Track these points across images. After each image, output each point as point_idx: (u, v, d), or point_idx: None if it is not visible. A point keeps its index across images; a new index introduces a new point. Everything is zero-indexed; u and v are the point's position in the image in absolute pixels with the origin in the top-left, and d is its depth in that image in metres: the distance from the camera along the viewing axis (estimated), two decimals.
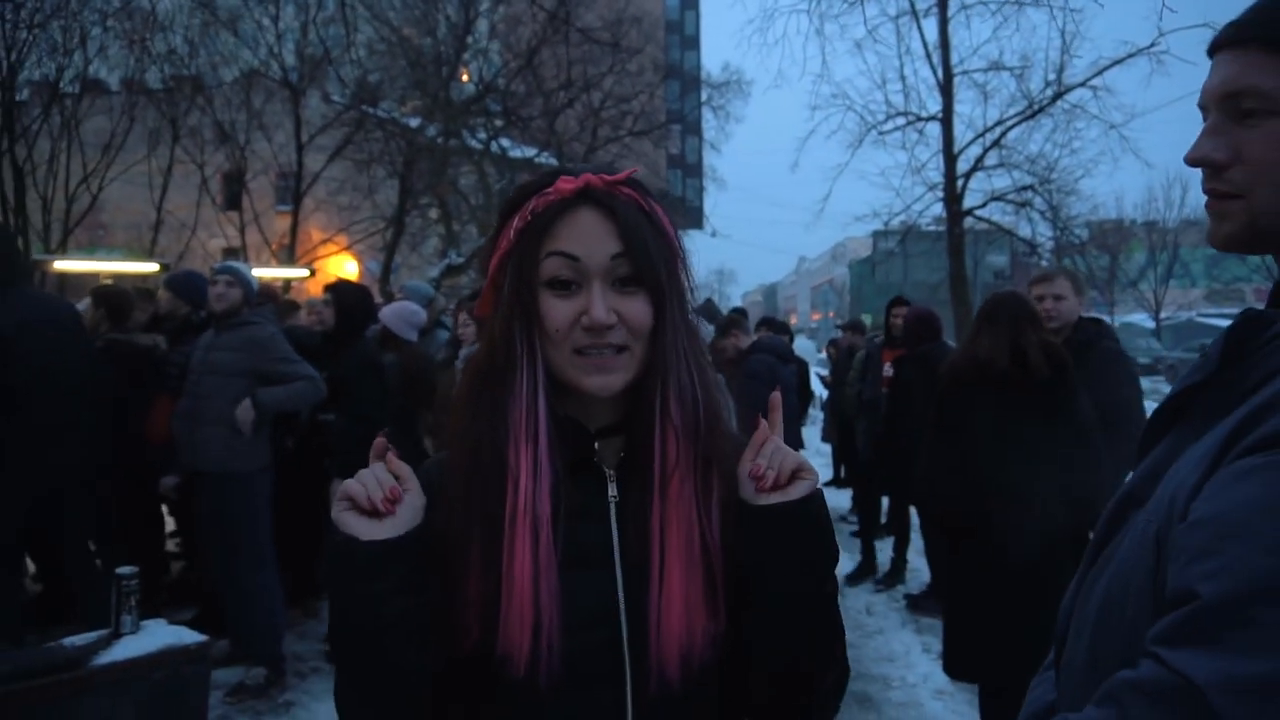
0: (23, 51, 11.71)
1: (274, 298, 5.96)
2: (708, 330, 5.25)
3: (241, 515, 3.88)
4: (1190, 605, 0.66)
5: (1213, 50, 0.88)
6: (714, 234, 20.97)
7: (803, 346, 9.89)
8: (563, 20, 14.87)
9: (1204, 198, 0.88)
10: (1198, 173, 0.88)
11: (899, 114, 13.25)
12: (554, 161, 14.72)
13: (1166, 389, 0.89)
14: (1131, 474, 0.91)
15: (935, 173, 13.33)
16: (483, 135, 15.91)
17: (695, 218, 22.29)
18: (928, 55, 12.95)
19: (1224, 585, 0.65)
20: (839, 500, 8.50)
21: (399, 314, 4.72)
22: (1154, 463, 0.86)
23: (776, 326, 7.49)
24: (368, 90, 15.40)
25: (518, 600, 0.88)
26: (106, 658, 2.48)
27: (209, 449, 3.82)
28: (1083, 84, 12.40)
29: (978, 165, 13.18)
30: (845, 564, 6.29)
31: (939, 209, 13.51)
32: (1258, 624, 0.62)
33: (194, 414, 3.86)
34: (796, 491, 0.92)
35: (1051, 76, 12.48)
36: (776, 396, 0.97)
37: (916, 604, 5.31)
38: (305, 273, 14.62)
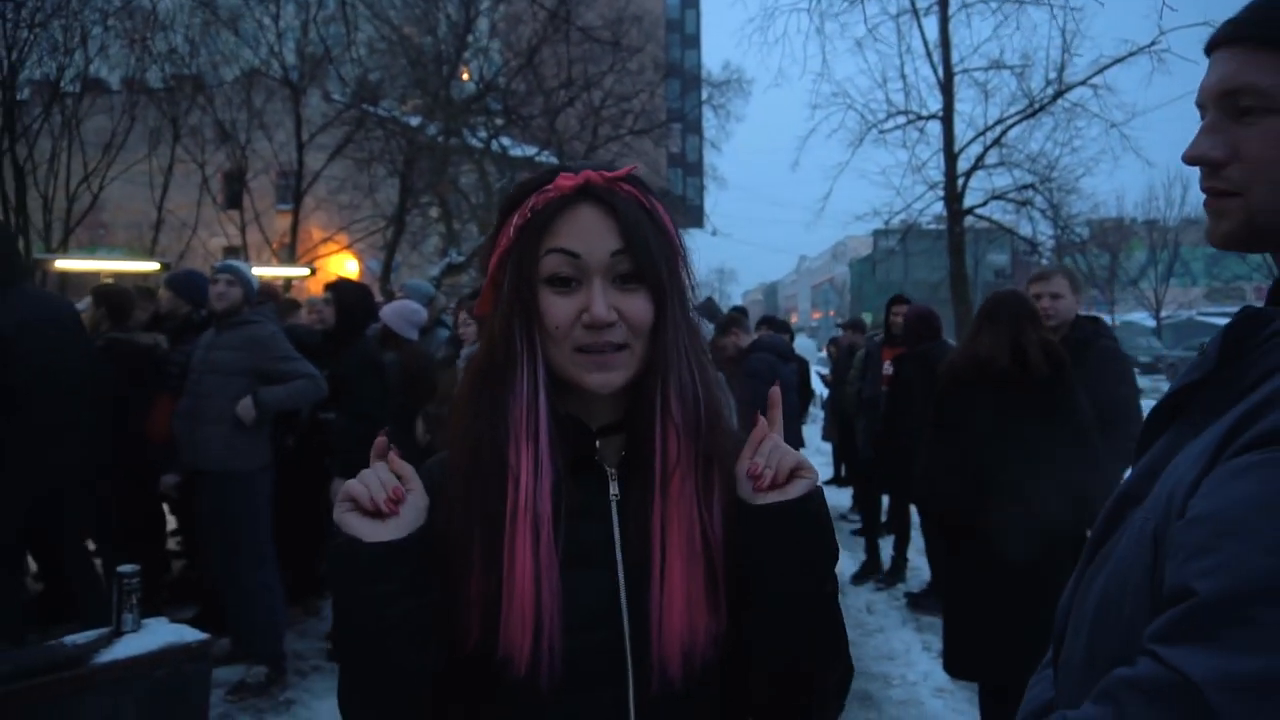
0: (24, 51, 11.71)
1: (275, 296, 5.97)
2: (708, 329, 5.25)
3: (242, 514, 3.88)
4: (1187, 603, 0.66)
5: (1210, 48, 0.88)
6: (714, 233, 20.99)
7: (803, 345, 9.90)
8: (563, 19, 14.86)
9: (1204, 196, 0.88)
10: (1198, 172, 0.88)
11: (899, 113, 13.25)
12: (554, 160, 14.69)
13: (1167, 388, 0.89)
14: (1129, 472, 0.91)
15: (936, 171, 13.33)
16: (483, 134, 15.91)
17: (696, 216, 22.29)
18: (928, 54, 12.95)
19: (1221, 583, 0.65)
20: (839, 499, 8.50)
21: (400, 313, 4.72)
22: (1152, 461, 0.86)
23: (777, 325, 7.49)
24: (368, 89, 15.40)
25: (519, 600, 0.88)
26: (108, 656, 2.48)
27: (210, 448, 3.83)
28: (1083, 82, 12.39)
29: (978, 164, 13.18)
30: (847, 563, 6.29)
31: (939, 208, 13.51)
32: (1255, 622, 0.62)
33: (195, 413, 3.86)
34: (795, 490, 0.91)
35: (1052, 75, 12.49)
36: (776, 392, 0.96)
37: (917, 602, 5.31)
38: (306, 271, 14.63)
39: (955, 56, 12.92)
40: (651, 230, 0.94)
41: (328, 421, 4.49)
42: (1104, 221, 25.76)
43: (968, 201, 13.27)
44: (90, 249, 14.96)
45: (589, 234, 0.92)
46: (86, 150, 12.91)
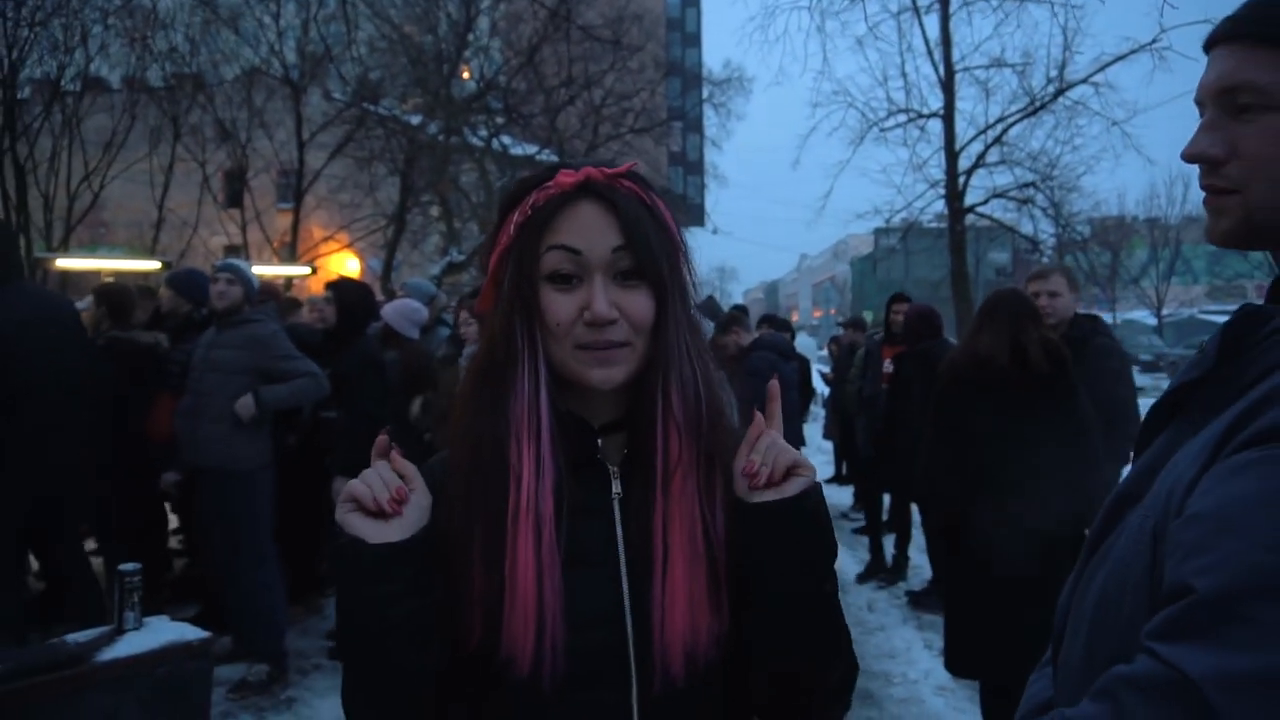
0: (24, 49, 11.73)
1: (276, 295, 5.97)
2: (708, 327, 5.25)
3: (243, 512, 3.89)
4: (1186, 600, 0.66)
5: (1209, 45, 0.87)
6: (715, 231, 20.98)
7: (804, 344, 9.90)
8: (564, 17, 14.86)
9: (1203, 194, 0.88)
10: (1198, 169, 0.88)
11: (900, 111, 13.24)
12: (555, 159, 14.69)
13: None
14: (1128, 470, 0.91)
15: (937, 170, 13.33)
16: (484, 133, 15.90)
17: (697, 215, 22.27)
18: (929, 52, 12.95)
19: (1219, 580, 0.65)
20: (841, 497, 8.51)
21: (401, 311, 4.73)
22: (1151, 459, 0.86)
23: (778, 324, 7.49)
24: (369, 88, 15.40)
25: (521, 599, 0.87)
26: (109, 654, 2.49)
27: (211, 446, 3.83)
28: (1084, 80, 12.39)
29: (979, 162, 13.17)
30: (848, 561, 6.29)
31: (940, 206, 13.51)
32: (1253, 619, 0.62)
33: (196, 411, 3.87)
34: (792, 488, 0.90)
35: (1053, 73, 12.48)
36: (774, 386, 0.95)
37: (918, 601, 5.31)
38: (307, 270, 14.63)
39: (956, 54, 12.92)
40: (652, 227, 0.93)
41: (329, 420, 4.50)
42: (1105, 220, 25.71)
43: (969, 200, 13.26)
44: (91, 248, 14.97)
45: (590, 230, 0.91)
46: (87, 149, 12.93)
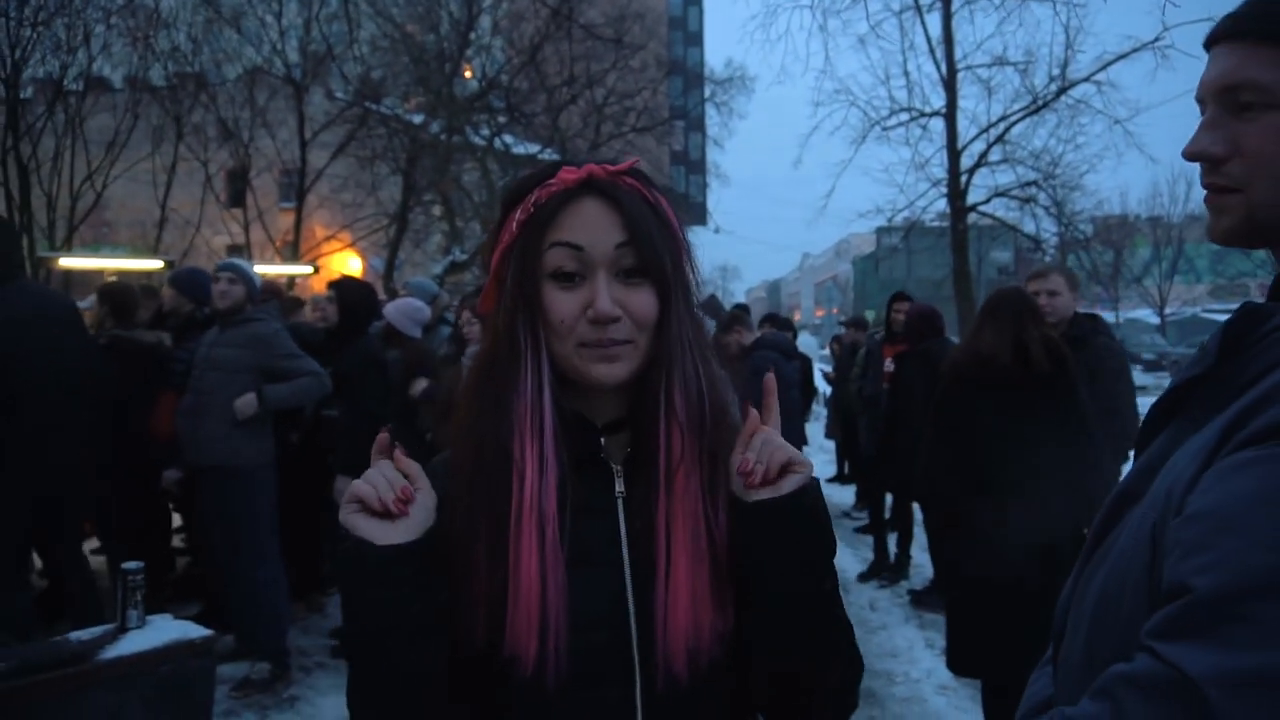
0: (27, 49, 11.72)
1: (278, 294, 5.98)
2: (710, 326, 5.25)
3: (245, 510, 3.89)
4: (1185, 599, 0.66)
5: (1210, 43, 0.87)
6: (717, 230, 20.98)
7: (806, 343, 9.88)
8: (565, 16, 14.85)
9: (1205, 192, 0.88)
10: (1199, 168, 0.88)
11: (902, 110, 13.24)
12: (557, 158, 14.66)
13: None
14: (1128, 468, 0.91)
15: (939, 168, 13.33)
16: (486, 132, 15.91)
17: (699, 214, 22.26)
18: (931, 50, 12.95)
19: (1218, 579, 0.65)
20: (843, 496, 8.51)
21: (403, 310, 4.73)
22: (1151, 457, 0.86)
23: (780, 323, 7.50)
24: (371, 87, 15.39)
25: (525, 599, 0.87)
26: (112, 652, 2.50)
27: (212, 445, 3.84)
28: (1087, 79, 12.38)
29: (981, 161, 13.16)
30: (851, 561, 6.29)
31: (943, 205, 13.51)
32: (1252, 618, 0.62)
33: (197, 410, 3.88)
34: (787, 486, 0.89)
35: (1055, 71, 12.47)
36: (770, 380, 0.95)
37: (920, 600, 5.31)
38: (309, 269, 14.64)
39: (958, 53, 12.92)
40: (655, 224, 0.93)
41: (331, 419, 4.50)
42: (1108, 218, 25.67)
43: (971, 199, 13.25)
44: (94, 247, 15.02)
45: (593, 227, 0.91)
46: (90, 148, 12.94)
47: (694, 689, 0.90)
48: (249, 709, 3.79)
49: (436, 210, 16.12)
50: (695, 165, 27.66)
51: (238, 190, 16.16)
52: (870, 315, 11.89)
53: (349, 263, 17.36)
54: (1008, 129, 13.05)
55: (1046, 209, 13.67)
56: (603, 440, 0.97)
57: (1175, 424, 0.86)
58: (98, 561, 4.83)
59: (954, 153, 12.99)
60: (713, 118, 20.15)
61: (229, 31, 15.07)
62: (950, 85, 12.90)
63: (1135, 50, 11.58)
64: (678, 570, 0.90)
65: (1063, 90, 12.54)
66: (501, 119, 15.90)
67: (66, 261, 10.69)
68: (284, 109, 14.88)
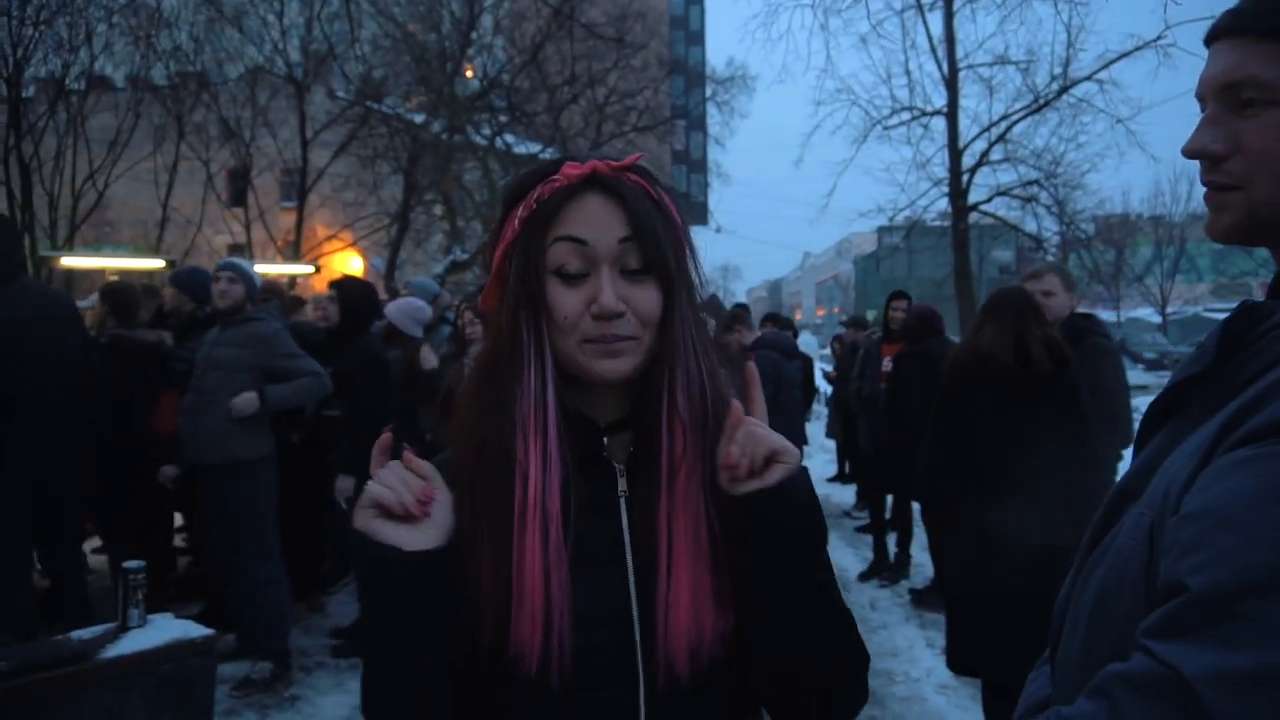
0: (29, 48, 11.73)
1: (279, 294, 5.98)
2: (710, 326, 5.25)
3: (245, 510, 3.90)
4: (1180, 598, 0.66)
5: (1210, 39, 0.86)
6: (719, 230, 20.99)
7: (807, 342, 9.88)
8: (567, 16, 14.85)
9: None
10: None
11: (904, 109, 13.23)
12: (559, 157, 14.66)
13: None
14: (1126, 467, 0.91)
15: (940, 168, 13.32)
16: (487, 131, 15.91)
17: (700, 213, 22.24)
18: (933, 49, 12.94)
19: (1213, 578, 0.64)
20: (844, 496, 8.50)
21: (404, 310, 4.73)
22: (1149, 456, 0.85)
23: (781, 322, 7.50)
24: (372, 86, 15.40)
25: (529, 598, 0.86)
26: (113, 651, 2.50)
27: (213, 444, 3.84)
28: (1089, 78, 12.36)
29: (983, 160, 13.14)
30: (852, 560, 6.30)
31: (944, 204, 13.49)
32: (1247, 617, 0.62)
33: (198, 409, 3.88)
34: (772, 477, 0.87)
35: (1057, 70, 12.46)
36: (751, 369, 0.94)
37: (920, 599, 5.31)
38: (310, 269, 14.65)
39: (960, 52, 12.91)
40: (659, 219, 0.92)
41: (332, 418, 4.50)
42: (1109, 217, 25.65)
43: (972, 198, 13.24)
44: (95, 246, 15.04)
45: (597, 222, 0.90)
46: (92, 148, 12.96)
47: (696, 688, 0.89)
48: (250, 708, 3.79)
49: (438, 210, 16.13)
50: (696, 164, 27.65)
51: (239, 189, 16.17)
52: (871, 315, 11.88)
53: (350, 262, 17.36)
54: (1009, 128, 13.04)
55: (1048, 208, 13.67)
56: (605, 440, 0.96)
57: (1174, 423, 0.86)
58: (99, 561, 4.84)
59: (955, 152, 12.98)
60: (714, 117, 20.17)
61: (231, 31, 15.09)
62: (952, 84, 12.89)
63: (1137, 49, 11.58)
64: (679, 569, 0.89)
65: (1064, 89, 12.53)
66: (503, 118, 15.90)
67: (68, 261, 10.70)
68: (285, 108, 14.89)
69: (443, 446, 1.02)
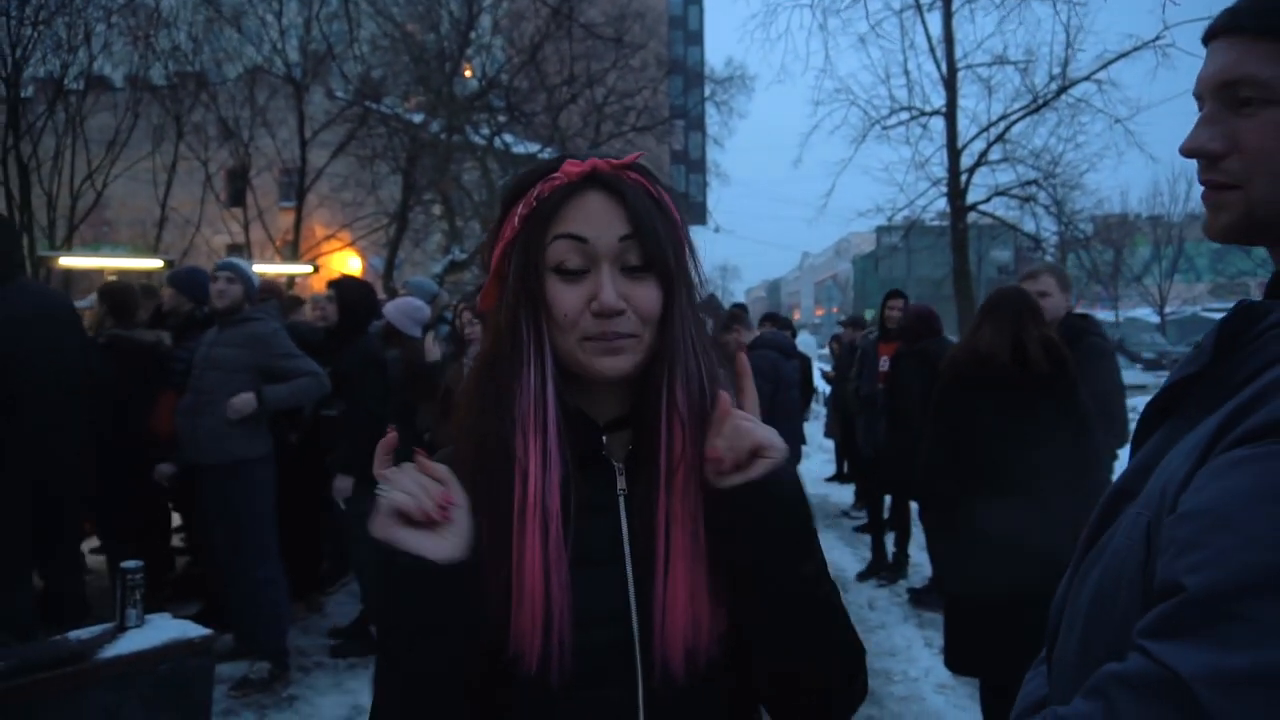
0: (27, 48, 11.72)
1: (278, 293, 5.98)
2: (709, 326, 5.25)
3: (244, 509, 3.90)
4: (1177, 598, 0.66)
5: (1208, 38, 0.86)
6: (717, 230, 20.98)
7: (805, 342, 9.89)
8: (566, 16, 14.84)
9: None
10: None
11: (902, 109, 13.25)
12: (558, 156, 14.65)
13: None
14: (1123, 467, 0.91)
15: (939, 168, 13.34)
16: (486, 131, 15.89)
17: (699, 213, 22.23)
18: (931, 49, 12.95)
19: (1210, 578, 0.64)
20: (842, 495, 8.51)
21: (403, 310, 4.73)
22: (1146, 455, 0.85)
23: (779, 322, 7.50)
24: (371, 86, 15.38)
25: (529, 596, 0.86)
26: (111, 651, 2.49)
27: (211, 444, 3.84)
28: (1087, 78, 12.38)
29: (981, 160, 13.16)
30: (850, 559, 6.30)
31: (943, 204, 13.52)
32: (1244, 617, 0.62)
33: (196, 409, 3.88)
34: (756, 471, 0.87)
35: (1056, 70, 12.48)
36: (742, 359, 0.94)
37: (918, 598, 5.31)
38: (309, 269, 14.64)
39: (959, 52, 12.93)
40: (659, 218, 0.92)
41: (330, 418, 4.50)
42: (1108, 217, 25.67)
43: (971, 198, 13.26)
44: (94, 246, 15.03)
45: (597, 219, 0.90)
46: (90, 148, 12.95)
47: (693, 687, 0.89)
48: (248, 708, 3.79)
49: (436, 209, 16.11)
50: (695, 164, 27.66)
51: (238, 189, 16.16)
52: (869, 314, 11.88)
53: (349, 262, 17.35)
54: (1008, 128, 13.06)
55: (1046, 208, 13.69)
56: (604, 438, 0.96)
57: (1171, 422, 0.85)
58: (97, 561, 4.83)
59: (954, 152, 12.99)
60: (713, 117, 20.15)
61: (229, 31, 15.07)
62: (950, 84, 12.90)
63: (1136, 49, 11.60)
64: (676, 568, 0.89)
65: (1063, 89, 12.55)
66: (501, 118, 15.89)
67: (66, 261, 10.70)
68: (284, 108, 14.87)
69: (441, 445, 1.01)
